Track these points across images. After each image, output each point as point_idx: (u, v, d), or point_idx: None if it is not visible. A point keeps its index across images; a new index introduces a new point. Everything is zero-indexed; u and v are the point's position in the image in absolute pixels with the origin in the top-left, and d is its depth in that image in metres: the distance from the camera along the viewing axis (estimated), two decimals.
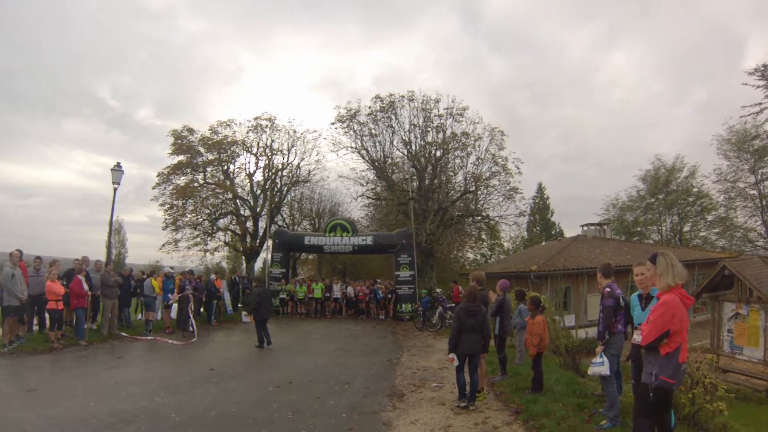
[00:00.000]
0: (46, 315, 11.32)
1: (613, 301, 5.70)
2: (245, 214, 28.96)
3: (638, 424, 4.01)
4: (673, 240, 37.31)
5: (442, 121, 25.47)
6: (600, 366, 5.67)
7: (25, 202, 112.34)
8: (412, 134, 25.87)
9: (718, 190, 35.10)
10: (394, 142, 26.33)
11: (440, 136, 25.65)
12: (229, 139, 27.87)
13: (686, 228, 38.50)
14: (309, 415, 6.40)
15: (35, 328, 11.79)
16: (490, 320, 8.40)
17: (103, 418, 6.00)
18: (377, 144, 26.44)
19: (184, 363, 10.17)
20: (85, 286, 11.67)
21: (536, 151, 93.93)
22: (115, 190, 16.18)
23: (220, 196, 27.75)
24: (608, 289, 5.78)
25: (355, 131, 26.37)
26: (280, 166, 29.45)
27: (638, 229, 39.66)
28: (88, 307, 12.42)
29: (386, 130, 26.10)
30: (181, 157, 27.16)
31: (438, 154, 25.91)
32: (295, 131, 29.21)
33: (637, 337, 4.65)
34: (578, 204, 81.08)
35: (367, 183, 28.32)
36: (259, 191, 29.34)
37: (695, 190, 37.14)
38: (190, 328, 13.57)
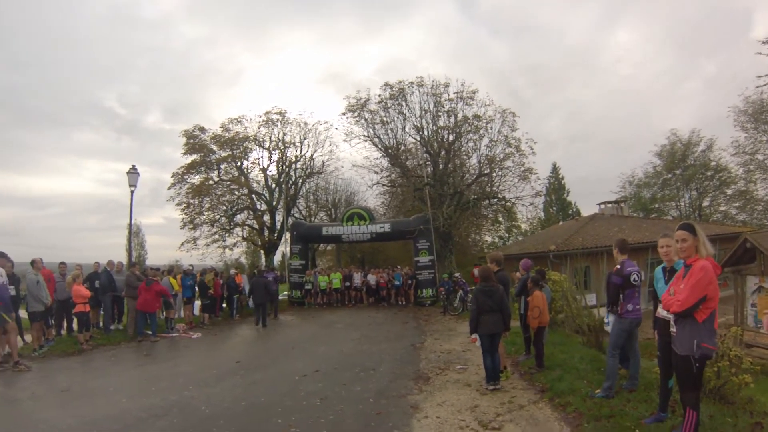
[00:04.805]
0: (74, 318, 11.59)
1: (620, 279, 5.62)
2: (261, 209, 29.16)
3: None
4: (693, 215, 36.46)
5: (452, 105, 25.37)
6: (607, 325, 6.17)
7: (42, 212, 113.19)
8: (423, 120, 25.83)
9: (737, 163, 34.40)
10: (406, 129, 26.35)
11: (452, 120, 25.54)
12: (241, 136, 28.04)
13: (705, 203, 37.65)
14: (337, 401, 6.42)
15: (63, 331, 12.03)
16: (515, 299, 8.33)
17: (135, 414, 6.09)
18: (389, 131, 26.47)
19: (210, 357, 10.30)
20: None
21: (544, 132, 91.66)
22: (132, 192, 16.31)
23: (236, 192, 27.98)
24: (618, 266, 5.72)
25: (366, 120, 26.42)
26: (294, 159, 29.63)
27: (656, 206, 38.97)
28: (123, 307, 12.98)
29: (397, 117, 26.11)
30: (195, 156, 27.40)
31: (451, 138, 25.79)
32: (306, 123, 29.37)
33: (661, 311, 4.54)
34: (591, 183, 79.75)
35: (382, 171, 28.43)
36: (274, 185, 29.52)
37: (713, 163, 36.21)
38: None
